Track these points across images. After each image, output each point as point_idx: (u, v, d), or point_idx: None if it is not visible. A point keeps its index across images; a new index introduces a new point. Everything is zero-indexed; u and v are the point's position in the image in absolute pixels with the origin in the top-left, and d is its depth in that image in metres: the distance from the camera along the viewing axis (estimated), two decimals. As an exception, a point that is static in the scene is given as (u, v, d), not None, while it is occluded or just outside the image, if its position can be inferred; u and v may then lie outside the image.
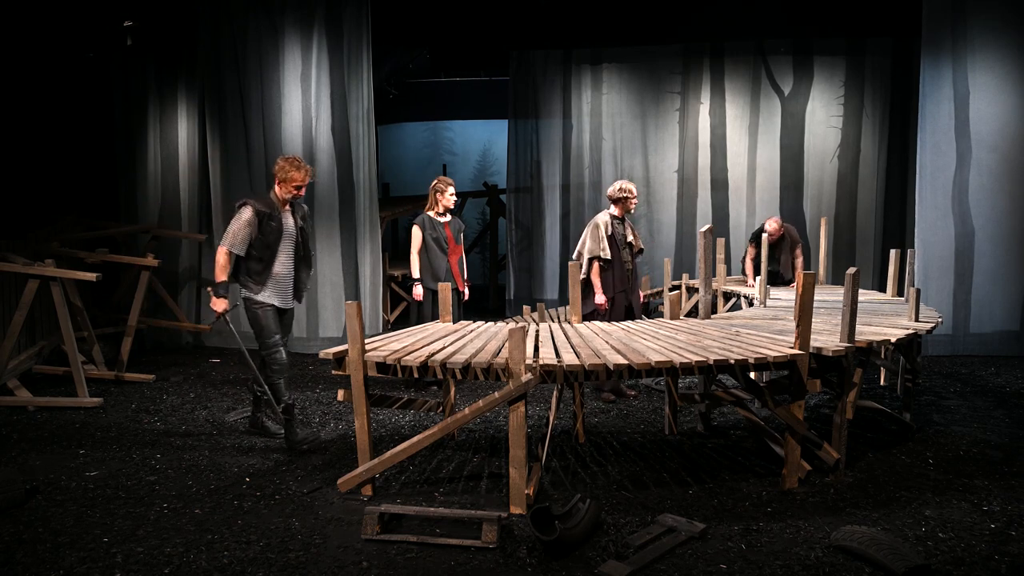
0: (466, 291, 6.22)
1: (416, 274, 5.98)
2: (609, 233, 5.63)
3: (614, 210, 5.74)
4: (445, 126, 16.75)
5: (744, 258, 7.71)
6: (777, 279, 7.45)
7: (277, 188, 4.54)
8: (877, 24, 8.79)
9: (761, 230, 7.31)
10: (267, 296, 4.54)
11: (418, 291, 5.99)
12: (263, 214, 4.46)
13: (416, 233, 6.01)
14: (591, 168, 9.65)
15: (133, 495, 3.79)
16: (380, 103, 8.76)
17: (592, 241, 5.61)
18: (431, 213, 6.07)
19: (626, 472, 4.08)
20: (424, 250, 5.98)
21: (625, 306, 5.73)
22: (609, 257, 5.59)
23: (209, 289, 4.49)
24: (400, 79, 11.50)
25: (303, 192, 4.56)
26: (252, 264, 4.51)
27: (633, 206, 5.78)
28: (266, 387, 4.57)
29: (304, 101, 7.99)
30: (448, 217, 6.12)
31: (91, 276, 5.84)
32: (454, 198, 6.10)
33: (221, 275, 4.42)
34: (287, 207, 4.60)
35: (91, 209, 8.63)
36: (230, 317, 4.57)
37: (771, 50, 9.20)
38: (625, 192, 5.73)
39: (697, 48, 9.34)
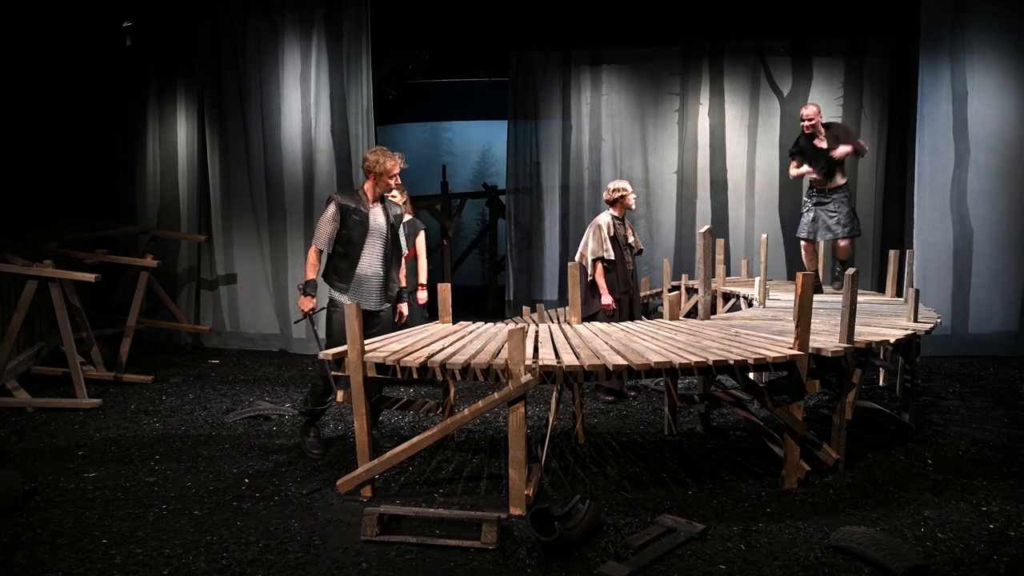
0: (422, 295, 6.06)
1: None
2: (611, 234, 5.63)
3: (614, 211, 5.74)
4: (445, 127, 16.77)
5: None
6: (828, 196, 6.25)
7: (369, 183, 4.32)
8: (876, 25, 8.80)
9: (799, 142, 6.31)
10: (352, 299, 4.26)
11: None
12: (347, 208, 4.25)
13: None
14: (591, 169, 9.65)
15: (132, 496, 3.79)
16: (379, 104, 8.76)
17: (595, 242, 5.60)
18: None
19: (625, 473, 4.08)
20: None
21: (628, 307, 5.73)
22: (613, 258, 5.59)
23: (299, 286, 4.32)
24: (399, 80, 11.50)
25: (399, 182, 4.39)
26: (338, 261, 4.31)
27: (631, 202, 5.77)
28: (315, 407, 4.39)
29: (304, 102, 7.99)
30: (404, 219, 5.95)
31: (90, 277, 5.84)
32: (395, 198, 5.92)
33: (310, 273, 4.28)
34: (377, 203, 4.37)
35: (90, 210, 8.63)
36: (317, 319, 4.40)
37: (770, 51, 9.20)
38: (619, 191, 5.74)
39: (696, 49, 9.34)
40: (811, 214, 6.32)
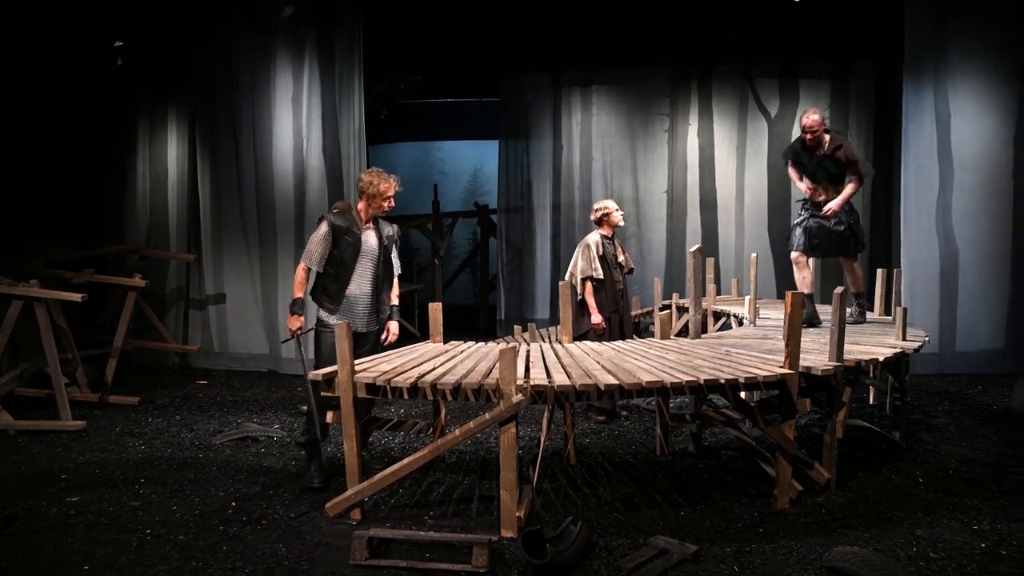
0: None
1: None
2: (600, 253, 5.64)
3: (603, 230, 5.76)
4: (436, 146, 16.84)
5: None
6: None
7: (362, 204, 4.28)
8: (861, 48, 8.95)
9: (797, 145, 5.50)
10: (341, 320, 4.11)
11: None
12: (339, 228, 4.21)
13: None
14: (581, 188, 9.71)
15: (115, 521, 3.72)
16: (371, 123, 8.80)
17: (584, 261, 5.62)
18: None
19: (618, 494, 4.05)
20: None
21: (618, 326, 5.73)
22: (601, 277, 5.60)
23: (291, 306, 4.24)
24: (392, 100, 11.56)
25: (393, 204, 4.30)
26: (328, 282, 4.25)
27: (617, 220, 5.76)
28: (316, 433, 4.20)
29: (295, 122, 8.02)
30: None
31: (76, 297, 5.79)
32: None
33: (297, 291, 4.21)
34: (370, 224, 4.33)
35: (78, 228, 8.57)
36: (304, 341, 4.32)
37: (757, 73, 9.34)
38: (602, 210, 5.78)
39: (685, 71, 9.46)
40: (808, 226, 5.38)
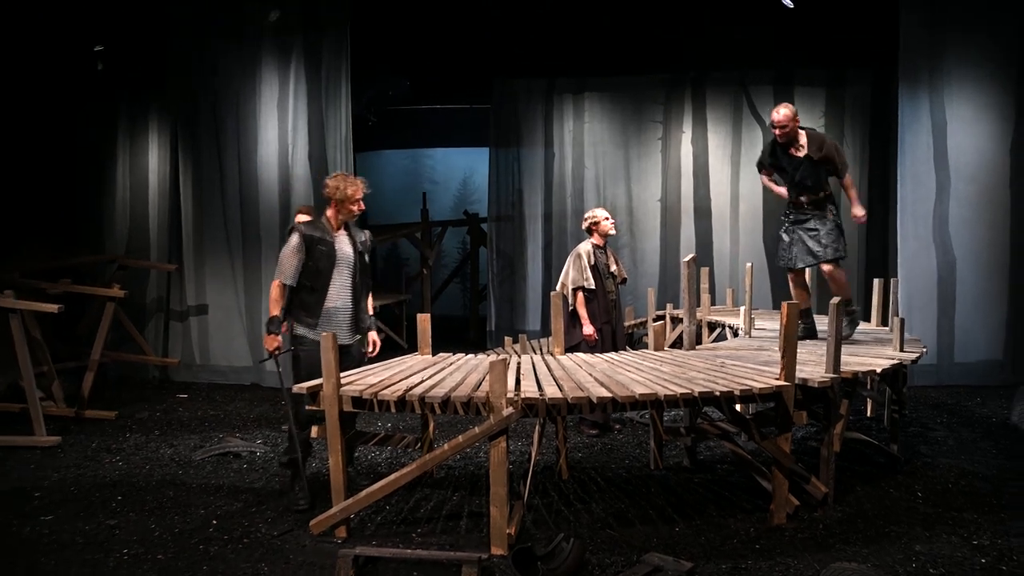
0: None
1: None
2: (592, 263, 5.66)
3: (595, 239, 5.78)
4: (426, 154, 16.89)
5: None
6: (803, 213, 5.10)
7: (331, 211, 4.22)
8: (856, 55, 9.05)
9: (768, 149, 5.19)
10: (318, 335, 4.00)
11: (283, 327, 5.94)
12: (312, 238, 4.13)
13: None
14: (574, 197, 9.75)
15: (91, 540, 3.68)
16: (359, 130, 8.81)
17: (575, 271, 5.63)
18: None
19: (611, 509, 4.04)
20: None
21: (610, 337, 5.74)
22: (593, 287, 5.61)
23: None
24: (380, 106, 11.59)
25: (363, 207, 4.24)
26: (304, 296, 4.16)
27: (607, 230, 5.76)
28: (298, 452, 4.14)
29: (281, 128, 8.01)
30: None
31: (53, 308, 5.75)
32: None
33: (274, 309, 4.12)
34: (341, 230, 4.27)
35: (55, 237, 8.51)
36: (282, 359, 4.21)
37: (752, 80, 9.42)
38: (591, 219, 5.82)
39: (679, 78, 9.54)
40: (787, 237, 5.14)
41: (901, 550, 3.47)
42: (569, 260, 5.75)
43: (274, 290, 4.15)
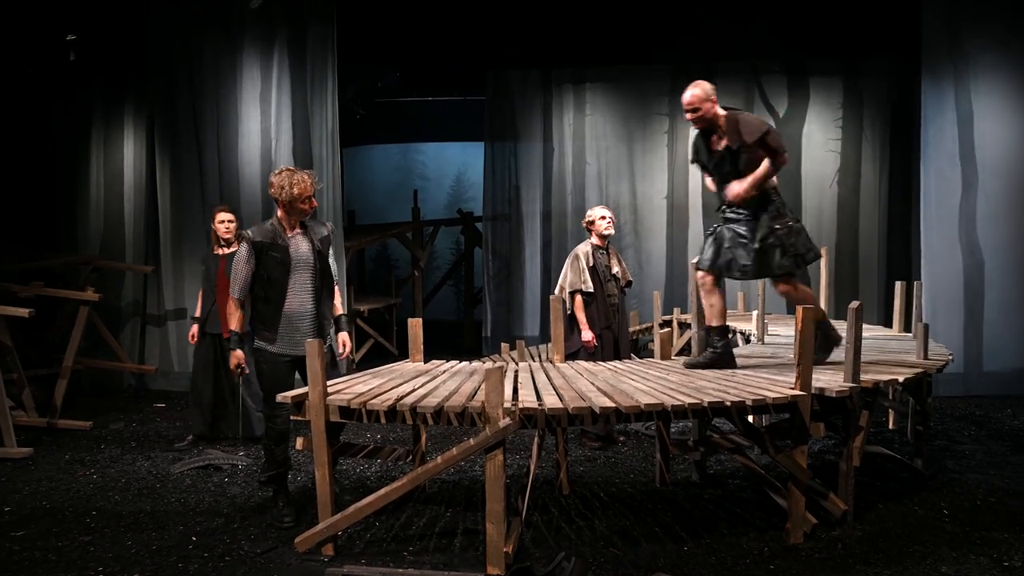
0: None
1: (197, 312, 5.96)
2: (591, 264, 5.65)
3: (595, 239, 5.78)
4: (417, 149, 16.90)
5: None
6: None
7: (281, 212, 4.10)
8: (874, 44, 9.08)
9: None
10: (281, 346, 4.06)
11: (193, 330, 5.96)
12: (260, 244, 4.03)
13: (203, 269, 6.01)
14: (574, 194, 9.76)
15: (64, 558, 3.67)
16: (346, 124, 8.83)
17: (573, 273, 5.64)
18: (214, 247, 5.88)
19: (614, 527, 4.04)
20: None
21: (612, 344, 5.73)
22: (592, 290, 5.60)
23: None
24: (368, 98, 11.62)
25: (315, 204, 4.12)
26: (260, 307, 4.09)
27: (601, 229, 5.72)
28: (277, 468, 4.13)
29: (263, 122, 8.03)
30: (230, 249, 5.70)
31: (23, 312, 5.75)
32: (223, 227, 5.73)
33: (232, 324, 4.08)
34: (297, 230, 4.13)
35: (25, 237, 8.51)
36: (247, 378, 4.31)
37: (764, 70, 9.44)
38: (587, 218, 5.83)
39: (686, 67, 9.54)
40: (710, 237, 4.51)
41: (926, 571, 3.47)
42: (567, 262, 5.75)
43: (229, 305, 4.11)
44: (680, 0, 8.77)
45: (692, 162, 4.62)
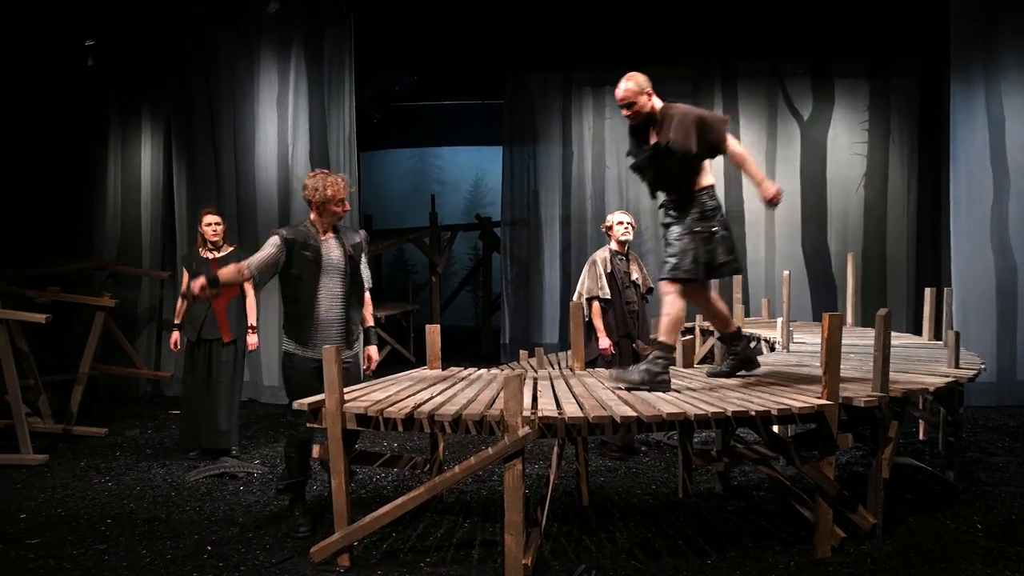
0: (251, 340, 5.72)
1: (177, 319, 5.80)
2: (608, 270, 5.63)
3: (614, 245, 5.76)
4: (434, 153, 16.98)
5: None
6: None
7: (314, 215, 4.13)
8: (901, 44, 8.99)
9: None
10: (309, 351, 4.04)
11: (172, 339, 5.82)
12: (293, 242, 4.01)
13: (184, 274, 5.82)
14: (593, 198, 9.74)
15: (79, 566, 3.70)
16: (363, 128, 8.87)
17: (590, 280, 5.62)
18: (201, 249, 5.78)
19: (636, 539, 4.01)
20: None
21: (629, 352, 5.70)
22: (609, 297, 5.58)
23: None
24: (385, 102, 11.67)
25: (348, 208, 4.15)
26: (289, 307, 4.09)
27: (619, 235, 5.69)
28: (295, 476, 4.12)
29: (280, 126, 8.09)
30: (220, 253, 5.72)
31: (40, 317, 5.81)
32: (210, 229, 5.69)
33: (224, 276, 3.93)
34: (329, 234, 4.16)
35: (42, 242, 8.63)
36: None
37: (788, 72, 9.38)
38: (605, 224, 5.81)
39: (707, 69, 9.52)
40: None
41: (957, 587, 3.41)
42: (585, 268, 5.74)
43: (246, 288, 4.02)
44: (701, 0, 8.73)
45: (627, 155, 4.38)
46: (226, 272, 3.98)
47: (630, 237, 5.77)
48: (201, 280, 3.81)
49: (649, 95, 4.08)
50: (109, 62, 8.40)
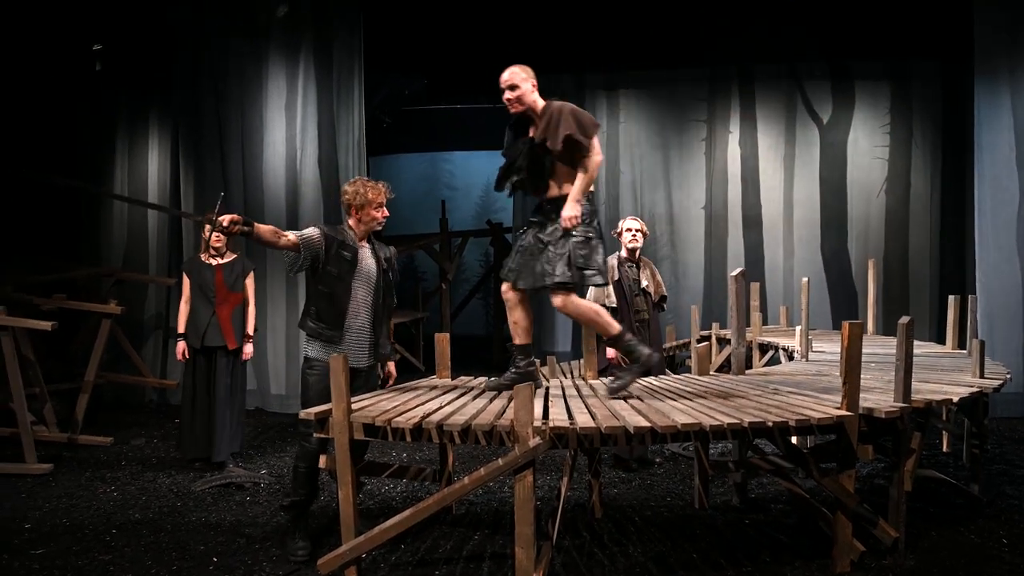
0: (247, 349, 5.79)
1: (180, 328, 5.71)
2: (616, 278, 5.62)
3: (623, 252, 5.75)
4: (444, 157, 17.04)
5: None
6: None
7: (352, 220, 4.13)
8: (922, 45, 8.96)
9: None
10: (333, 354, 3.81)
11: (178, 348, 5.69)
12: (332, 239, 4.00)
13: (184, 281, 5.76)
14: (608, 204, 9.74)
15: (83, 577, 3.72)
16: (372, 133, 8.93)
17: (596, 288, 5.61)
18: (202, 255, 5.79)
19: (650, 552, 3.99)
20: (192, 300, 5.69)
21: None
22: (615, 305, 5.56)
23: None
24: (395, 106, 11.74)
25: (387, 214, 4.16)
26: (321, 304, 4.01)
27: (626, 242, 5.69)
28: (302, 494, 4.04)
29: (289, 131, 8.15)
30: (224, 260, 5.76)
31: (46, 325, 5.84)
32: (214, 235, 5.58)
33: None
34: (365, 243, 4.18)
35: (48, 249, 8.73)
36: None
37: (806, 74, 9.37)
38: (617, 230, 5.80)
39: (724, 72, 9.51)
40: (518, 242, 4.20)
41: (983, 604, 3.37)
42: None
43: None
44: (717, 0, 8.73)
45: (502, 152, 4.23)
46: (264, 226, 3.84)
47: (639, 244, 5.73)
48: (234, 216, 3.66)
49: (534, 87, 4.03)
50: (117, 67, 8.50)
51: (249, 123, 8.22)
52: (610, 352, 5.56)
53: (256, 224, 3.75)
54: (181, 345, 5.69)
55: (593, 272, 3.90)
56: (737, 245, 9.47)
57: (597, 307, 4.09)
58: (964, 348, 6.04)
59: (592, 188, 3.98)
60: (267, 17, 8.06)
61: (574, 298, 3.93)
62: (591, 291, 5.62)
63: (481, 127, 13.12)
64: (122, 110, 8.86)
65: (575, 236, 3.86)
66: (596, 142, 3.88)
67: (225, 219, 3.59)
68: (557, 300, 3.91)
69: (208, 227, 5.35)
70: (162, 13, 8.38)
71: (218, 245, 5.73)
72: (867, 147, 9.33)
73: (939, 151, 9.20)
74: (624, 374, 4.12)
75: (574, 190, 3.86)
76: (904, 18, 8.54)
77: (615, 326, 4.03)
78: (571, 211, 3.82)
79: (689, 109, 9.63)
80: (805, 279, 6.73)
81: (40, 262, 8.34)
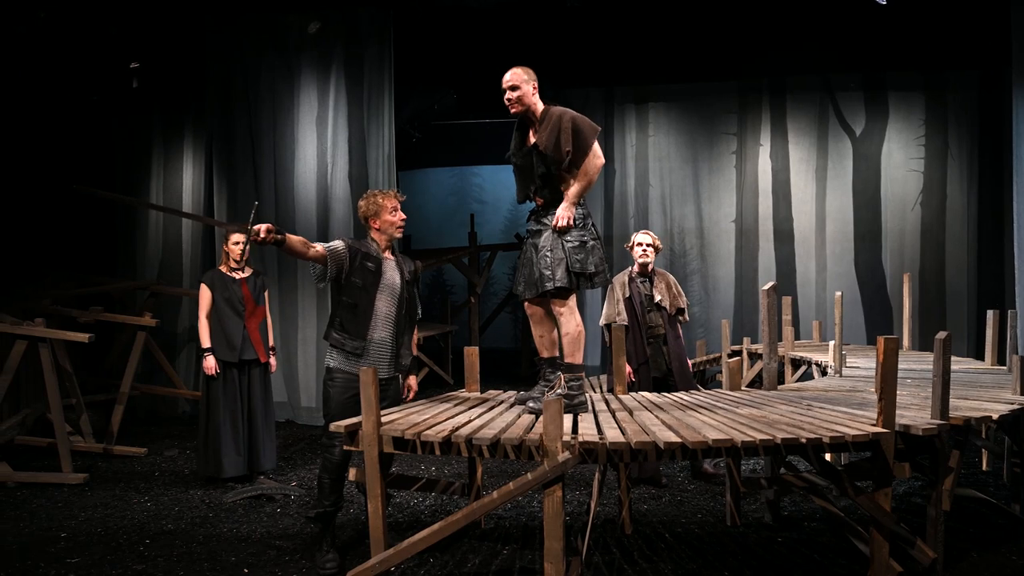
0: (272, 362, 5.87)
1: (206, 343, 5.60)
2: (626, 295, 5.57)
3: (635, 267, 5.71)
4: (473, 172, 17.15)
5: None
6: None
7: (373, 231, 4.21)
8: (959, 56, 8.84)
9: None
10: (356, 368, 3.98)
11: (209, 363, 5.56)
12: (357, 251, 4.08)
13: (204, 293, 5.68)
14: (637, 218, 9.73)
15: (117, 587, 3.79)
16: (402, 147, 9.03)
17: (608, 305, 5.59)
18: (223, 268, 5.77)
19: (680, 570, 3.96)
20: (214, 314, 5.63)
21: (654, 378, 5.60)
22: (626, 323, 5.50)
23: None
24: (424, 120, 11.85)
25: (405, 217, 4.22)
26: (345, 315, 4.06)
27: (639, 258, 5.58)
28: (327, 504, 4.07)
29: (320, 145, 8.27)
30: (246, 273, 5.81)
31: (83, 337, 5.95)
32: (238, 247, 5.64)
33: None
34: (388, 253, 4.25)
35: (86, 263, 8.93)
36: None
37: (839, 85, 9.29)
38: (629, 244, 5.75)
39: (755, 84, 9.48)
40: (522, 255, 4.17)
41: (1026, 628, 3.29)
42: (608, 292, 5.69)
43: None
44: (747, 11, 8.70)
45: (507, 156, 4.26)
46: (295, 237, 3.90)
47: (649, 259, 5.59)
48: (269, 225, 3.68)
49: (535, 89, 3.97)
50: (153, 84, 8.70)
51: (281, 138, 8.36)
52: (627, 368, 5.51)
53: (287, 235, 3.82)
54: (211, 360, 5.58)
55: (590, 276, 3.87)
56: (768, 259, 9.39)
57: (581, 331, 3.91)
58: (1004, 364, 5.91)
59: (595, 192, 3.99)
60: (299, 33, 8.20)
61: (571, 305, 3.89)
62: (604, 308, 5.59)
63: (510, 141, 13.19)
64: (157, 126, 9.07)
65: (570, 241, 3.83)
66: (596, 145, 3.85)
67: (261, 228, 3.63)
68: (555, 305, 3.89)
69: (242, 236, 5.55)
70: (197, 32, 8.58)
71: (238, 258, 5.70)
72: (902, 159, 9.21)
73: (976, 162, 9.06)
74: (540, 393, 3.93)
75: (571, 192, 3.85)
76: (940, 29, 8.43)
77: (579, 358, 3.91)
78: (564, 212, 3.82)
79: (719, 122, 9.60)
80: (838, 293, 6.65)
81: (78, 276, 8.53)
